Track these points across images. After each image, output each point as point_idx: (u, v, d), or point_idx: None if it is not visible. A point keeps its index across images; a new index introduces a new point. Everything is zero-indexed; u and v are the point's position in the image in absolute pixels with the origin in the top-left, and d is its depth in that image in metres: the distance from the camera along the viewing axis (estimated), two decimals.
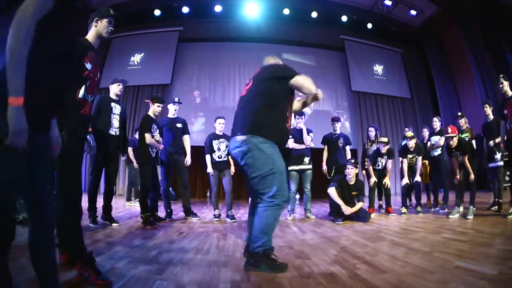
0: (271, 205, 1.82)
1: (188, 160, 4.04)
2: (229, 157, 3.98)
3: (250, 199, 2.23)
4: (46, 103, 1.04)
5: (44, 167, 1.12)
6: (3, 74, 0.91)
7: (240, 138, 1.87)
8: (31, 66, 0.91)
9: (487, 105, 4.23)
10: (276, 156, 1.87)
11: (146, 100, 3.79)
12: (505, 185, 4.38)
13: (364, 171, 5.05)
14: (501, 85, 3.61)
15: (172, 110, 4.01)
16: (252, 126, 1.87)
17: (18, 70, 0.87)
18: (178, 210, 4.46)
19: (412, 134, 4.56)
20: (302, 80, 1.93)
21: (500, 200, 4.09)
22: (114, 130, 3.32)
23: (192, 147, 4.94)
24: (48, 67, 1.02)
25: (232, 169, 4.01)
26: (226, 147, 3.95)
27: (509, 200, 3.85)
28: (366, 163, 4.92)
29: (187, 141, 4.11)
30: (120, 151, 3.50)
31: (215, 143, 3.97)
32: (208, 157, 3.98)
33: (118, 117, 3.36)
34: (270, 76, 1.95)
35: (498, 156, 4.08)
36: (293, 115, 3.49)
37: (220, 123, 4.04)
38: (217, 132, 4.04)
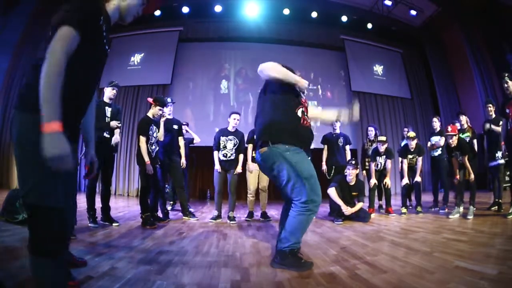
0: (303, 210, 1.84)
1: (183, 162, 4.05)
2: (239, 155, 3.89)
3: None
4: (73, 116, 1.12)
5: (69, 177, 1.15)
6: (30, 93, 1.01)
7: (263, 150, 1.91)
8: (64, 88, 0.97)
9: (490, 105, 4.18)
10: (301, 163, 1.86)
11: (148, 99, 3.75)
12: (505, 185, 4.34)
13: (364, 172, 5.05)
14: (506, 85, 3.57)
15: (167, 111, 3.98)
16: (268, 133, 1.90)
17: (51, 102, 0.92)
18: (177, 210, 4.46)
19: (414, 134, 4.56)
20: (267, 65, 1.91)
21: (500, 200, 4.08)
22: (107, 133, 3.37)
23: (192, 147, 4.98)
24: (79, 88, 1.12)
25: (239, 168, 3.87)
26: (234, 145, 3.85)
27: (509, 200, 3.84)
28: (366, 164, 4.92)
29: (182, 143, 4.11)
30: (114, 152, 3.57)
31: (222, 140, 3.86)
32: (215, 153, 3.89)
33: (110, 119, 3.41)
34: (267, 81, 2.01)
35: (499, 154, 4.05)
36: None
37: (234, 119, 3.89)
38: (229, 128, 3.91)
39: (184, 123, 4.90)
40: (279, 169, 1.86)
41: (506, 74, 3.62)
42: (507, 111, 3.56)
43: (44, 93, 0.92)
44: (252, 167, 3.95)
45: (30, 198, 0.98)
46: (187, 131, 4.90)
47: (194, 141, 5.03)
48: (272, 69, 1.92)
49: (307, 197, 1.82)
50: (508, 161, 4.00)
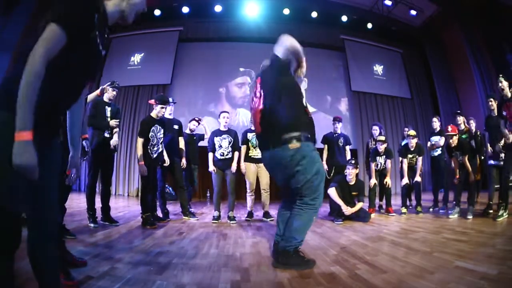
0: (310, 207, 1.90)
1: (183, 162, 4.07)
2: (234, 153, 3.88)
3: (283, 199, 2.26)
4: (52, 115, 1.08)
5: (51, 176, 1.10)
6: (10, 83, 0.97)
7: (293, 146, 1.86)
8: (45, 87, 0.95)
9: (491, 99, 4.06)
10: (320, 163, 1.98)
11: (150, 101, 3.74)
12: (496, 186, 4.18)
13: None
14: (500, 84, 3.55)
15: (168, 111, 3.98)
16: (295, 129, 1.88)
17: (25, 110, 0.90)
18: (177, 210, 4.46)
19: (415, 133, 4.56)
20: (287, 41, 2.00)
21: (491, 202, 3.88)
22: (107, 132, 3.38)
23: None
24: (63, 90, 1.06)
25: (234, 166, 3.83)
26: (229, 143, 3.87)
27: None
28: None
29: (182, 143, 4.12)
30: (114, 152, 3.57)
31: (216, 140, 3.88)
32: (210, 155, 3.91)
33: (110, 119, 3.42)
34: (277, 73, 1.99)
35: (503, 155, 3.97)
36: None
37: (224, 117, 3.96)
38: (221, 128, 3.96)
39: (197, 118, 4.74)
40: (306, 166, 1.87)
41: (501, 75, 3.61)
42: (504, 113, 3.53)
43: (20, 100, 0.90)
44: (244, 167, 3.96)
45: None
46: (199, 122, 4.73)
47: (205, 137, 4.94)
48: (293, 42, 2.02)
49: (318, 194, 1.91)
50: (505, 162, 3.90)
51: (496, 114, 3.87)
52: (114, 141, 3.45)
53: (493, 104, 4.02)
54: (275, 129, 1.92)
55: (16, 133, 0.89)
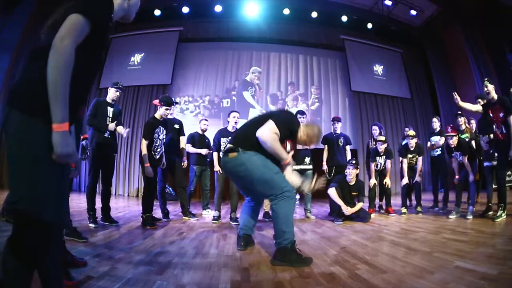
0: (283, 197, 2.00)
1: (185, 162, 4.04)
2: None
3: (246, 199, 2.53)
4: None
5: (66, 176, 1.11)
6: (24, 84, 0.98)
7: (232, 155, 2.08)
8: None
9: (480, 100, 3.87)
10: (266, 162, 2.06)
11: (154, 101, 3.70)
12: (494, 186, 4.17)
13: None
14: (485, 89, 3.53)
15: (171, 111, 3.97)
16: (245, 144, 2.08)
17: (62, 101, 0.91)
18: (177, 210, 4.46)
19: (414, 133, 4.56)
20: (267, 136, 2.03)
21: (490, 204, 3.85)
22: (108, 133, 3.37)
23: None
24: (76, 84, 1.03)
25: None
26: None
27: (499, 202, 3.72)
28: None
29: (183, 142, 4.10)
30: (115, 152, 3.58)
31: (223, 141, 3.78)
32: (215, 154, 3.85)
33: (111, 120, 3.41)
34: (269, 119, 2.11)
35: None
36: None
37: (234, 117, 3.83)
38: (229, 128, 3.84)
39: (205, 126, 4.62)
40: (249, 171, 2.03)
41: (486, 79, 3.61)
42: (491, 115, 3.51)
43: (54, 90, 0.90)
44: None
45: (21, 205, 0.92)
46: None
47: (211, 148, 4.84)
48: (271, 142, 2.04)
49: (280, 187, 2.01)
50: (497, 163, 3.87)
51: (482, 116, 3.77)
52: (126, 132, 3.42)
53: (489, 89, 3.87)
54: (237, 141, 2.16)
55: (55, 125, 0.91)
